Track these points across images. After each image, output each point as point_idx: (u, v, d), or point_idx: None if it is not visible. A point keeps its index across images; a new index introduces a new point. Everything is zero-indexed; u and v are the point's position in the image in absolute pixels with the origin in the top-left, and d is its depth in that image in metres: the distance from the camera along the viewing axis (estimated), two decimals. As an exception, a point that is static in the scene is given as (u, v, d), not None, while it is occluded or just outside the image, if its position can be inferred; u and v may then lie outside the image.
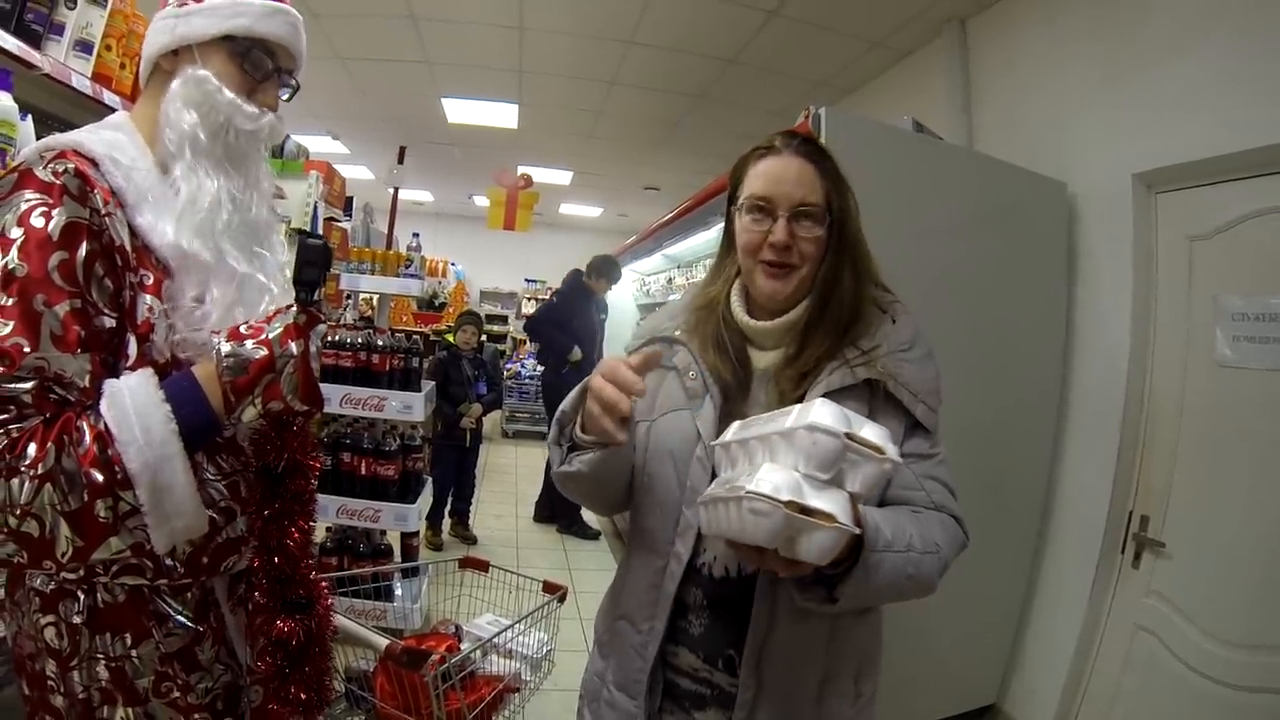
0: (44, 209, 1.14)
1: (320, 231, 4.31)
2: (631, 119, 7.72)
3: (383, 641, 2.10)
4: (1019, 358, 3.44)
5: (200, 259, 1.31)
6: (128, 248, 1.25)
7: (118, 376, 1.20)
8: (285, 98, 1.52)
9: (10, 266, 1.11)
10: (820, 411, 1.06)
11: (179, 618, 1.36)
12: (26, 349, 1.09)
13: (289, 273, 1.41)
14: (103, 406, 1.13)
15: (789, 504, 1.01)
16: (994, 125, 4.29)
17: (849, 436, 1.04)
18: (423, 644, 2.30)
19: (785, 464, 1.07)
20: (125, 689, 1.31)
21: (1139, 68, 3.22)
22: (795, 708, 1.40)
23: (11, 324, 1.09)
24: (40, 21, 2.13)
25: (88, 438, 1.09)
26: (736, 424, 1.26)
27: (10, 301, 1.09)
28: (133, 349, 1.24)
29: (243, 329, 1.26)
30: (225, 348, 1.23)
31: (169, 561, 1.30)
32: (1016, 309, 3.42)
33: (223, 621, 1.44)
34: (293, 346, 1.25)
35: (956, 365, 3.16)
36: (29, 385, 1.09)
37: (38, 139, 1.60)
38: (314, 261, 1.32)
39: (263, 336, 1.25)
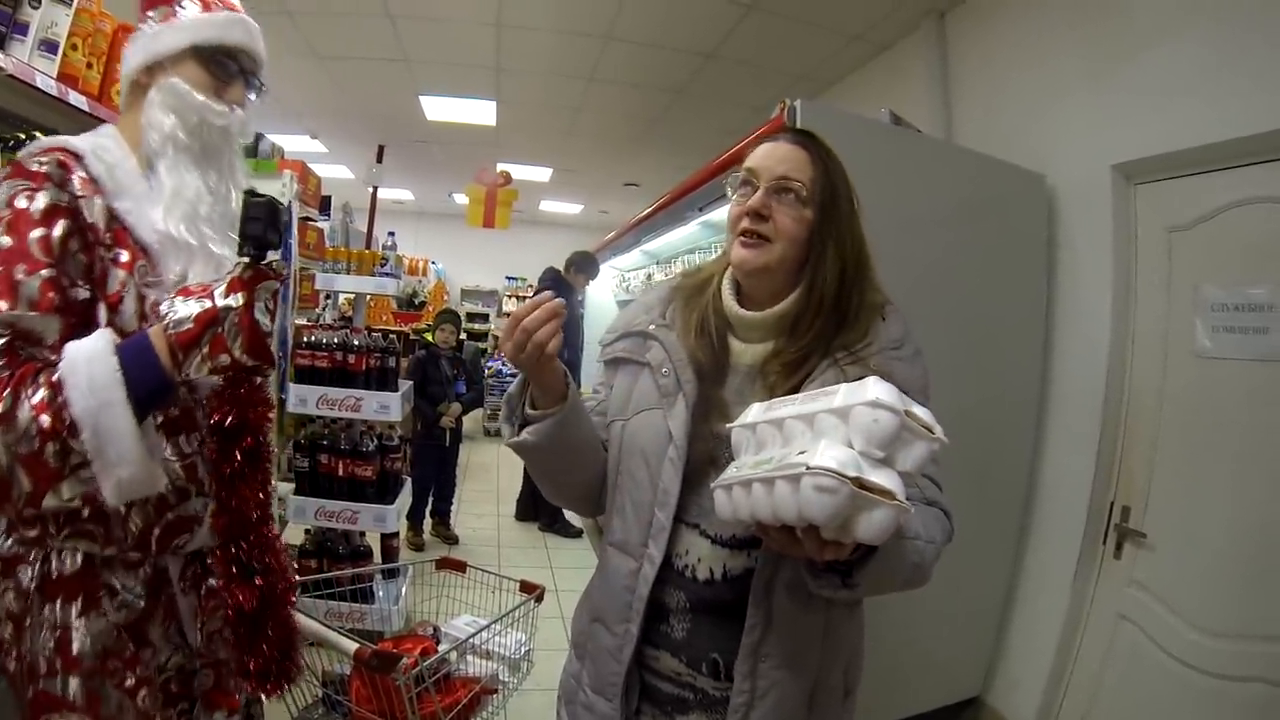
0: (28, 192, 1.30)
1: (295, 230, 4.28)
2: (611, 115, 7.69)
3: (352, 645, 2.08)
4: (1000, 350, 3.44)
5: (185, 242, 1.45)
6: (101, 228, 1.37)
7: None
8: (255, 98, 1.67)
9: None
10: (880, 388, 1.05)
11: (127, 594, 1.42)
12: (4, 308, 1.21)
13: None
14: (61, 361, 1.21)
15: (855, 480, 1.00)
16: (973, 118, 4.29)
17: (907, 414, 1.04)
18: (399, 646, 2.28)
19: (837, 442, 1.05)
20: (68, 658, 1.36)
21: (1118, 59, 3.21)
22: (789, 709, 1.38)
23: None
24: (3, 20, 2.10)
25: (42, 387, 1.18)
26: (758, 406, 1.25)
27: None
28: (103, 318, 1.35)
29: (192, 287, 1.33)
30: (168, 304, 1.30)
31: (119, 532, 1.38)
32: (997, 301, 3.41)
33: (174, 601, 1.51)
34: (237, 298, 1.29)
35: (938, 358, 3.13)
36: (1, 342, 1.20)
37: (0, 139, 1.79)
38: (257, 217, 1.34)
39: (209, 291, 1.30)
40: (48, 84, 2.22)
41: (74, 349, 1.22)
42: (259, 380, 1.43)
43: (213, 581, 1.56)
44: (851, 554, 1.14)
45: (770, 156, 1.47)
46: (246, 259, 1.33)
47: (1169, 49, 2.96)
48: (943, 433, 1.07)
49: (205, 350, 1.28)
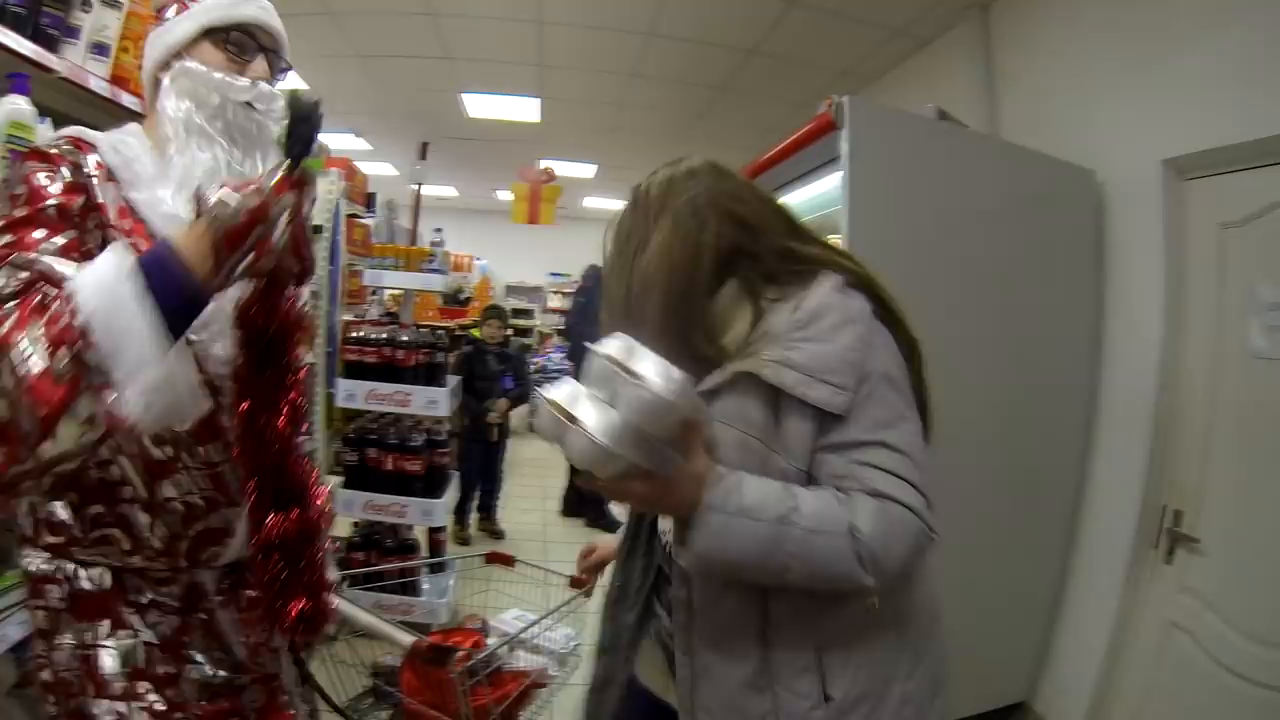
0: (47, 172, 1.29)
1: (342, 227, 4.32)
2: (653, 112, 7.68)
3: (408, 638, 2.10)
4: (1048, 350, 3.38)
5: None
6: (111, 211, 1.34)
7: None
8: (281, 80, 1.60)
9: (15, 213, 1.23)
10: (608, 340, 1.20)
11: (159, 610, 1.40)
12: (21, 254, 1.17)
13: None
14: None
15: (552, 404, 1.18)
16: (1019, 112, 4.22)
17: (612, 360, 1.16)
18: (449, 640, 2.30)
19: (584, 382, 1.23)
20: (96, 679, 1.33)
21: (1168, 50, 3.13)
22: (733, 693, 1.39)
23: (12, 240, 1.20)
24: (56, 25, 2.14)
25: (50, 302, 1.06)
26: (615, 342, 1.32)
27: (13, 238, 1.20)
28: None
29: (232, 181, 1.19)
30: (216, 195, 1.14)
31: (146, 540, 1.35)
32: (1045, 300, 3.36)
33: (213, 615, 1.46)
34: (288, 198, 1.18)
35: (984, 358, 3.16)
36: (18, 285, 1.12)
37: None
38: (306, 117, 1.23)
39: (255, 186, 1.16)
40: (100, 86, 2.26)
41: (81, 270, 1.11)
42: (293, 290, 1.34)
43: (252, 593, 1.49)
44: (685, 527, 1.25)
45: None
46: (294, 159, 1.22)
47: (1220, 39, 2.88)
48: (663, 388, 1.13)
49: (250, 249, 1.15)
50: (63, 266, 1.15)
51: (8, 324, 1.04)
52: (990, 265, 3.17)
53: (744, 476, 1.27)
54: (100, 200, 1.33)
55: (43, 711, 1.40)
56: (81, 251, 1.23)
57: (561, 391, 1.20)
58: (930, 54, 5.30)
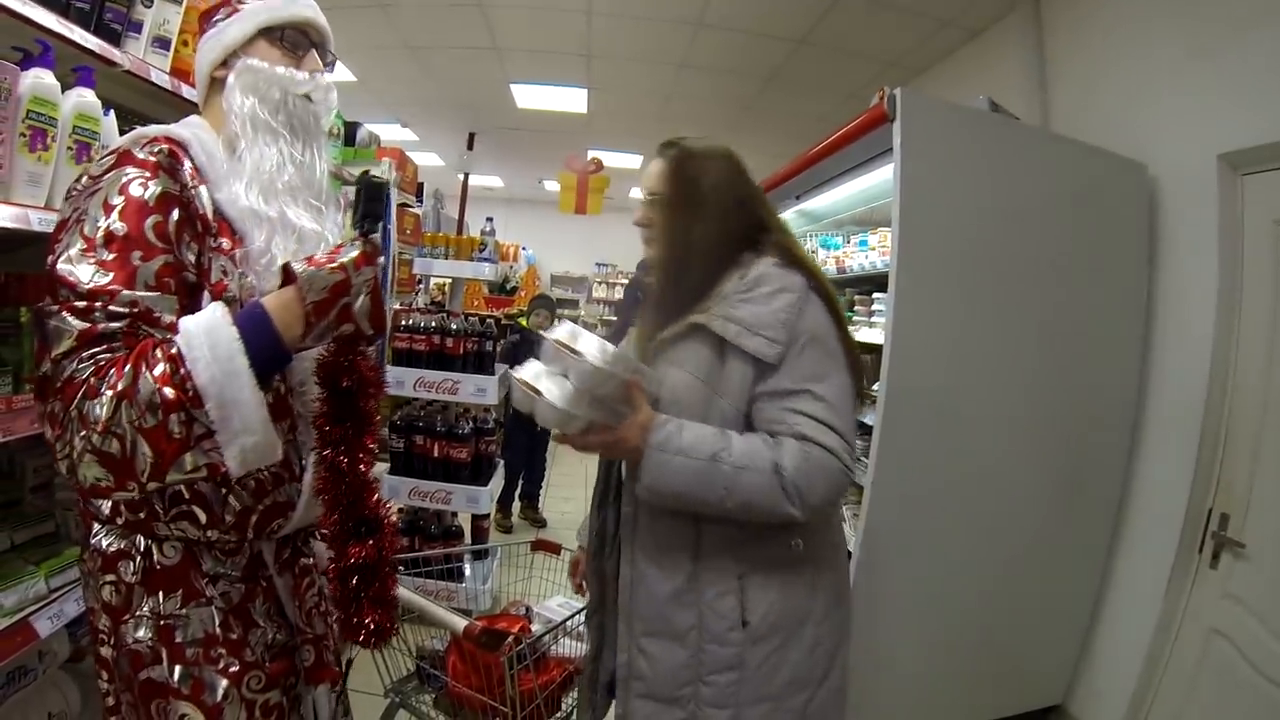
0: (141, 181, 1.31)
1: (394, 216, 4.36)
2: (702, 102, 7.64)
3: (461, 622, 2.13)
4: (1097, 346, 3.33)
5: (266, 215, 1.47)
6: (209, 217, 1.41)
7: None
8: (330, 72, 1.70)
9: (113, 227, 1.25)
10: (557, 327, 1.58)
11: (227, 580, 1.49)
12: (123, 291, 1.22)
13: (347, 222, 1.60)
14: (178, 335, 1.23)
15: (521, 381, 1.55)
16: (1070, 105, 4.14)
17: (558, 343, 1.53)
18: (495, 625, 2.33)
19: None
20: (172, 647, 1.41)
21: (1223, 41, 3.05)
22: (664, 602, 1.67)
23: (112, 275, 1.22)
24: (119, 20, 2.20)
25: (162, 360, 1.18)
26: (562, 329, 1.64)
27: (112, 256, 1.24)
28: (206, 304, 1.34)
29: (320, 258, 1.36)
30: (306, 271, 1.32)
31: (220, 515, 1.43)
32: (1094, 295, 3.30)
33: (271, 583, 1.57)
34: (366, 271, 1.36)
35: (1031, 353, 3.16)
36: (121, 324, 1.21)
37: (120, 134, 1.78)
38: (377, 198, 1.51)
39: (338, 262, 1.35)
40: (162, 79, 2.32)
41: (190, 321, 1.23)
42: (368, 349, 1.49)
43: (305, 560, 1.64)
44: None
45: (646, 174, 1.87)
46: (365, 235, 1.43)
47: (1277, 30, 2.80)
48: (597, 358, 1.48)
49: (334, 318, 1.33)
50: (162, 306, 1.27)
51: (119, 373, 1.17)
52: (1039, 259, 3.14)
53: (683, 423, 1.57)
54: (202, 211, 1.39)
55: (94, 686, 1.50)
56: (177, 276, 1.31)
57: (528, 371, 1.57)
58: (980, 44, 5.22)
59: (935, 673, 3.12)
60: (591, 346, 1.49)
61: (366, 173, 1.47)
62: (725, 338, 1.60)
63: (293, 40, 1.60)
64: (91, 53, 2.02)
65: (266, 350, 1.28)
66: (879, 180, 3.34)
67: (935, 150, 2.89)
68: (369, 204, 1.47)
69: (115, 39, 2.17)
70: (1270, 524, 2.83)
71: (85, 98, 1.97)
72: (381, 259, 1.41)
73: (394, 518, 1.58)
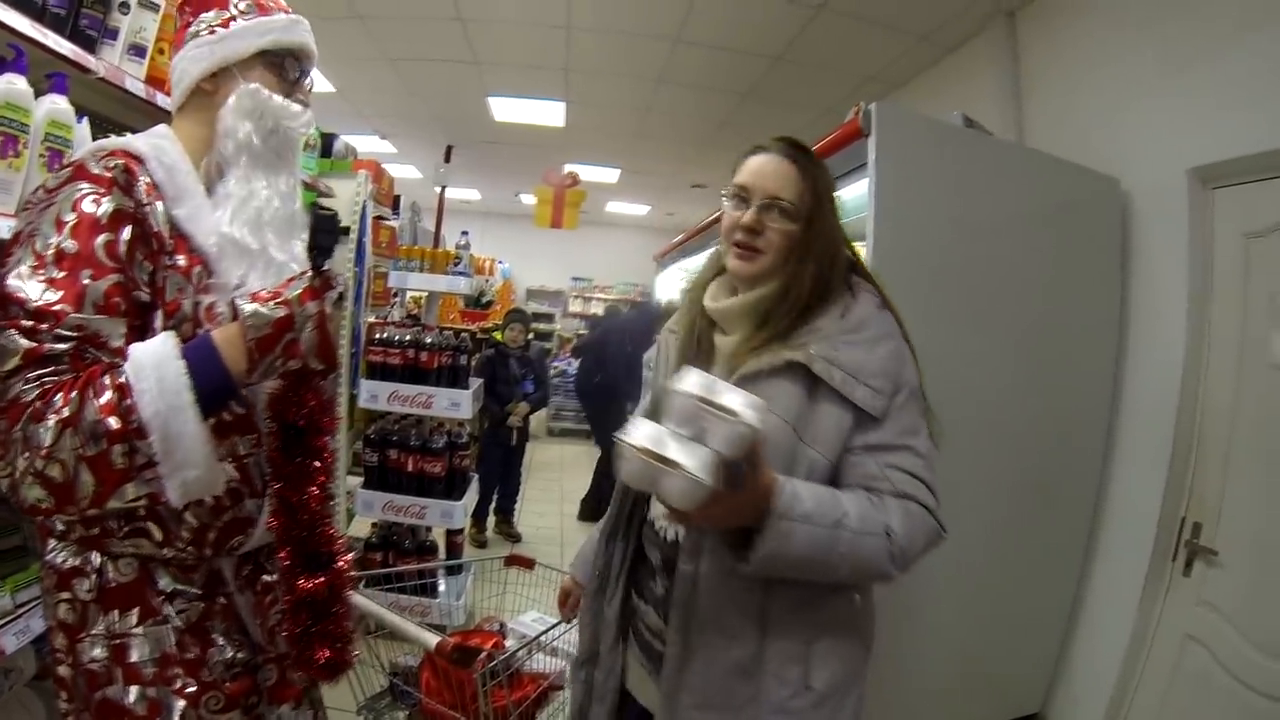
0: (94, 196, 1.29)
1: (369, 229, 4.34)
2: (679, 117, 7.69)
3: (433, 638, 2.12)
4: (1070, 358, 3.36)
5: (248, 247, 1.46)
6: (165, 235, 1.38)
7: None
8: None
9: (63, 245, 1.24)
10: (685, 378, 1.23)
11: (184, 597, 1.45)
12: (71, 312, 1.21)
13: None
14: (126, 363, 1.22)
15: (643, 450, 1.19)
16: (1044, 120, 4.20)
17: (702, 400, 1.19)
18: (468, 641, 2.31)
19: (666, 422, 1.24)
20: (127, 667, 1.39)
21: (1195, 58, 3.11)
22: (722, 676, 1.48)
23: (61, 293, 1.21)
24: (95, 26, 2.18)
25: (109, 388, 1.18)
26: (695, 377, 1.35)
27: (61, 274, 1.23)
28: (159, 324, 1.35)
29: (263, 293, 1.35)
30: (248, 308, 1.31)
31: (176, 532, 1.40)
32: (1068, 308, 3.34)
33: (232, 600, 1.53)
34: (311, 306, 1.35)
35: (1006, 365, 3.17)
36: (68, 346, 1.20)
37: (93, 140, 1.80)
38: (326, 229, 1.42)
39: (282, 298, 1.34)
40: (136, 86, 2.30)
41: (139, 351, 1.23)
42: (320, 382, 1.49)
43: (267, 578, 1.61)
44: (753, 531, 1.33)
45: (760, 173, 1.58)
46: (315, 269, 1.39)
47: (1247, 48, 2.86)
48: (755, 418, 1.18)
49: (279, 354, 1.33)
50: (110, 330, 1.25)
51: (64, 398, 1.16)
52: (1014, 273, 3.16)
53: (797, 483, 1.36)
54: (156, 229, 1.36)
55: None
56: (127, 297, 1.29)
57: (644, 435, 1.21)
58: (956, 60, 5.28)
59: (912, 683, 3.12)
60: (741, 402, 1.20)
61: (315, 203, 1.42)
62: (830, 384, 1.43)
63: (289, 68, 1.60)
64: (66, 59, 2.00)
65: (213, 385, 1.28)
66: (855, 195, 3.34)
67: (910, 164, 2.90)
68: (319, 235, 1.42)
69: (90, 45, 2.14)
70: (1241, 531, 2.87)
71: (58, 105, 1.94)
72: (334, 292, 1.40)
73: (348, 555, 1.57)
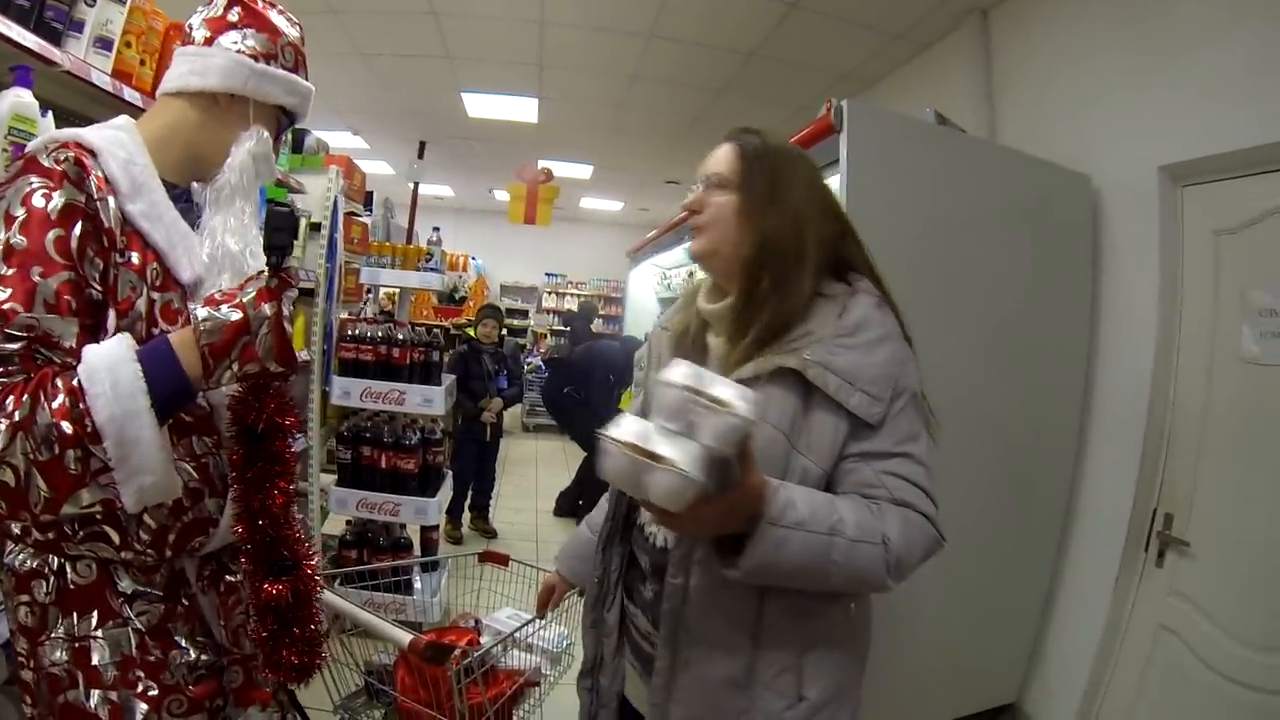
0: (45, 191, 1.25)
1: (340, 225, 4.32)
2: (653, 113, 7.70)
3: (406, 636, 2.10)
4: (1042, 353, 3.40)
5: (241, 258, 1.49)
6: (116, 231, 1.34)
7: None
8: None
9: (12, 241, 1.22)
10: (672, 369, 1.17)
11: (145, 599, 1.43)
12: (20, 311, 1.18)
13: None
14: (79, 366, 1.19)
15: (630, 446, 1.12)
16: (1017, 117, 4.24)
17: (691, 390, 1.13)
18: (443, 638, 2.30)
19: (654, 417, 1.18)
20: (88, 671, 1.37)
21: (1166, 57, 3.16)
22: (713, 689, 1.43)
23: (10, 290, 1.18)
24: (60, 19, 2.13)
25: (61, 392, 1.15)
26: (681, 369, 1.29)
27: (10, 271, 1.20)
28: (111, 323, 1.32)
29: (217, 295, 1.34)
30: (202, 313, 1.29)
31: (135, 535, 1.38)
32: (1040, 304, 3.38)
33: (195, 601, 1.51)
34: (266, 309, 1.32)
35: (979, 361, 3.18)
36: (18, 346, 1.17)
37: None
38: (283, 227, 1.37)
39: (236, 300, 1.31)
40: (103, 80, 2.25)
41: (93, 354, 1.21)
42: (280, 384, 1.47)
43: (231, 578, 1.59)
44: (742, 536, 1.27)
45: (708, 160, 1.60)
46: (272, 268, 1.36)
47: (1218, 48, 2.91)
48: (747, 409, 1.12)
49: (235, 358, 1.30)
50: (61, 329, 1.23)
51: (15, 401, 1.13)
52: (986, 269, 3.19)
53: (791, 488, 1.30)
54: (108, 224, 1.32)
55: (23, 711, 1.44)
56: (79, 295, 1.26)
57: (630, 430, 1.15)
58: (930, 58, 5.32)
59: (889, 675, 3.13)
60: (733, 394, 1.14)
61: (271, 200, 1.40)
62: (826, 391, 1.37)
63: (283, 128, 1.68)
64: (30, 51, 1.94)
65: (170, 389, 1.26)
66: (827, 190, 3.36)
67: (882, 161, 2.91)
68: (275, 234, 1.36)
69: (56, 38, 2.09)
70: (1212, 522, 2.93)
71: (22, 98, 1.91)
72: (292, 292, 1.38)
73: (314, 558, 1.56)
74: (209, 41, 1.51)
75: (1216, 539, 2.89)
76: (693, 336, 1.64)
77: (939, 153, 3.15)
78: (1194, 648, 2.88)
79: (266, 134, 1.55)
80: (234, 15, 1.52)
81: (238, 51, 1.50)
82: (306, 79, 1.65)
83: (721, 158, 1.57)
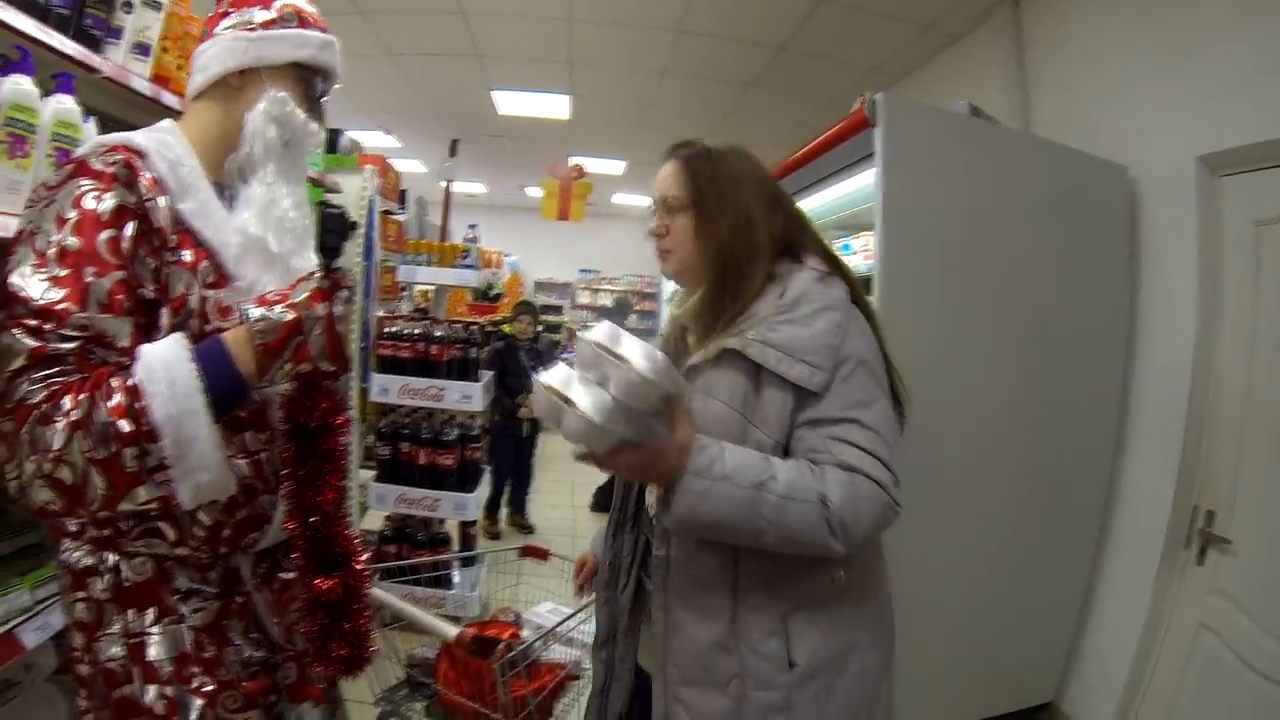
0: (96, 193, 1.27)
1: (376, 223, 4.36)
2: (684, 108, 7.66)
3: (452, 630, 2.12)
4: (1080, 347, 3.35)
5: (269, 247, 1.48)
6: (168, 230, 1.37)
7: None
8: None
9: (65, 242, 1.23)
10: (595, 328, 1.33)
11: (201, 596, 1.45)
12: (75, 311, 1.20)
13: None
14: (135, 365, 1.21)
15: (549, 388, 1.31)
16: (1051, 108, 4.17)
17: (599, 346, 1.29)
18: (485, 632, 2.32)
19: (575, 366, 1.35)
20: (145, 667, 1.39)
21: (1202, 44, 3.09)
22: (702, 651, 1.53)
23: (64, 291, 1.20)
24: (99, 26, 2.18)
25: (118, 391, 1.17)
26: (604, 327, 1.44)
27: (65, 272, 1.21)
28: (165, 320, 1.34)
29: (271, 296, 1.36)
30: (255, 313, 1.31)
31: (190, 531, 1.40)
32: (1077, 296, 3.32)
33: (249, 599, 1.54)
34: (319, 309, 1.35)
35: (1015, 355, 3.17)
36: (73, 345, 1.19)
37: None
38: (335, 229, 1.40)
39: (290, 300, 1.34)
40: (142, 85, 2.30)
41: (150, 353, 1.22)
42: (332, 383, 1.49)
43: (285, 575, 1.61)
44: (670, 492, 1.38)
45: (658, 182, 1.71)
46: (324, 269, 1.39)
47: (1255, 33, 2.84)
48: (647, 368, 1.25)
49: (289, 358, 1.33)
50: (116, 329, 1.24)
51: (73, 400, 1.15)
52: (1021, 262, 3.16)
53: (725, 445, 1.40)
54: (159, 224, 1.35)
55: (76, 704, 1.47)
56: (131, 294, 1.28)
57: (556, 376, 1.32)
58: (961, 49, 5.25)
59: (925, 673, 3.13)
60: (638, 352, 1.27)
61: (323, 201, 1.42)
62: (764, 365, 1.46)
63: (314, 86, 1.64)
64: (71, 59, 2.00)
65: (225, 388, 1.28)
66: (861, 185, 3.34)
67: (917, 154, 2.90)
68: (328, 235, 1.39)
69: (95, 45, 2.15)
70: (1255, 520, 2.86)
71: (65, 104, 1.95)
72: (344, 292, 1.40)
73: (364, 555, 1.58)
74: (207, 37, 1.55)
75: (1259, 537, 2.83)
76: (675, 340, 1.73)
77: (973, 145, 3.12)
78: (1235, 648, 2.82)
79: (282, 93, 1.53)
80: (224, 5, 1.56)
81: (230, 30, 1.52)
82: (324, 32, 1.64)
83: (670, 179, 1.68)
